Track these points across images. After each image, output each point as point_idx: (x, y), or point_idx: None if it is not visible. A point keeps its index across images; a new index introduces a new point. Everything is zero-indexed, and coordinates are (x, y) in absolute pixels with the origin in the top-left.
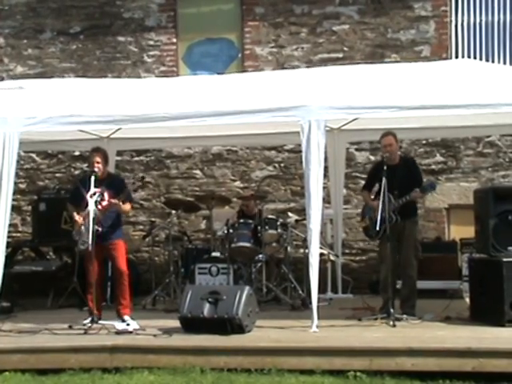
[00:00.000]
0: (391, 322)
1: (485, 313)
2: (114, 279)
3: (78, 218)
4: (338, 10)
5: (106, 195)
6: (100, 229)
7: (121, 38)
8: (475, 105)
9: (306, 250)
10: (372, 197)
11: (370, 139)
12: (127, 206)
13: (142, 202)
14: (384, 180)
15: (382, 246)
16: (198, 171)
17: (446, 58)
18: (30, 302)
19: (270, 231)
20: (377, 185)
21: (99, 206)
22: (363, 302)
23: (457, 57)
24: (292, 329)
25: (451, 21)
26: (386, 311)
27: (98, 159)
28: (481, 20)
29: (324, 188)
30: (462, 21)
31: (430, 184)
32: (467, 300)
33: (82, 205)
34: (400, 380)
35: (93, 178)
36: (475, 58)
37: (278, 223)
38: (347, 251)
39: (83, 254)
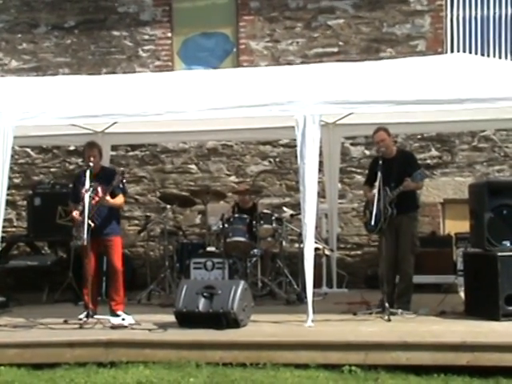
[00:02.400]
0: (386, 317)
1: (480, 307)
2: (108, 275)
3: (75, 214)
4: (333, 4)
5: (99, 189)
6: (92, 224)
7: (115, 33)
8: (470, 99)
9: (301, 245)
10: (374, 191)
11: (365, 134)
12: (118, 200)
13: (137, 196)
14: (379, 174)
15: (380, 240)
16: (193, 166)
17: (441, 53)
18: (25, 296)
19: (265, 226)
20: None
21: (93, 201)
22: (361, 297)
23: (452, 51)
24: (287, 323)
25: (446, 15)
26: (380, 306)
27: (93, 153)
28: (476, 14)
29: (319, 183)
30: (458, 15)
31: (419, 172)
32: (462, 294)
33: (79, 200)
34: (395, 374)
35: (88, 173)
36: (470, 52)
37: (273, 218)
38: (342, 246)
39: (79, 249)
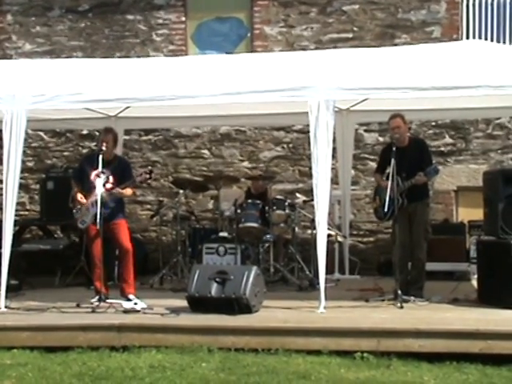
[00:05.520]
0: (398, 304)
1: (493, 295)
2: (119, 258)
3: (80, 196)
4: None
5: (111, 178)
6: (103, 210)
7: (130, 17)
8: (485, 86)
9: (314, 231)
10: (384, 178)
11: (379, 120)
12: (128, 192)
13: (149, 181)
14: (393, 161)
15: (393, 227)
16: (206, 151)
17: (456, 39)
18: (38, 280)
19: (278, 212)
20: (388, 167)
21: (104, 188)
22: (374, 283)
23: (468, 37)
24: (299, 309)
25: (462, 1)
26: (393, 292)
27: (107, 139)
28: (492, 0)
29: (332, 169)
30: (474, 1)
31: (433, 168)
32: (474, 282)
33: (84, 183)
34: (407, 361)
35: (100, 157)
36: (486, 38)
37: (286, 204)
38: (355, 232)
39: (86, 233)
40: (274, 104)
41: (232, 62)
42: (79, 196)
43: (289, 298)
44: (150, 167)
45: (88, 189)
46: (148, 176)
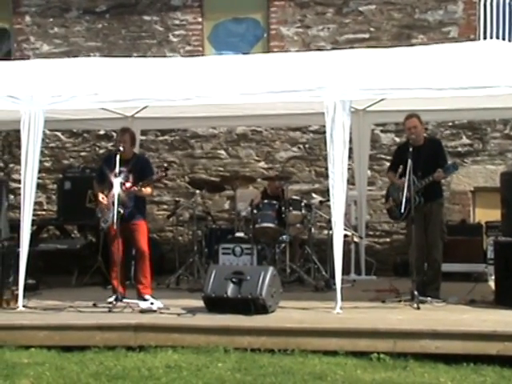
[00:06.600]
0: (415, 305)
1: (510, 296)
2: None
3: (101, 197)
4: None
5: (130, 177)
6: (122, 211)
7: (146, 17)
8: (503, 86)
9: (330, 232)
10: (403, 178)
11: (396, 121)
12: (148, 190)
13: (166, 181)
14: (409, 161)
15: (409, 228)
16: (222, 151)
17: (473, 39)
18: (55, 279)
19: (294, 212)
20: (401, 166)
21: (123, 187)
22: (390, 284)
23: (485, 38)
24: (315, 310)
25: (480, 1)
26: (410, 293)
27: (124, 139)
28: (510, 0)
29: (348, 169)
30: (491, 1)
31: (452, 165)
32: (491, 283)
33: (105, 184)
34: (424, 363)
35: (118, 157)
36: (504, 38)
37: (302, 204)
38: (371, 233)
39: (106, 232)
40: (291, 104)
41: (248, 63)
42: (100, 196)
43: (305, 299)
44: (165, 165)
45: (109, 189)
46: (164, 174)
